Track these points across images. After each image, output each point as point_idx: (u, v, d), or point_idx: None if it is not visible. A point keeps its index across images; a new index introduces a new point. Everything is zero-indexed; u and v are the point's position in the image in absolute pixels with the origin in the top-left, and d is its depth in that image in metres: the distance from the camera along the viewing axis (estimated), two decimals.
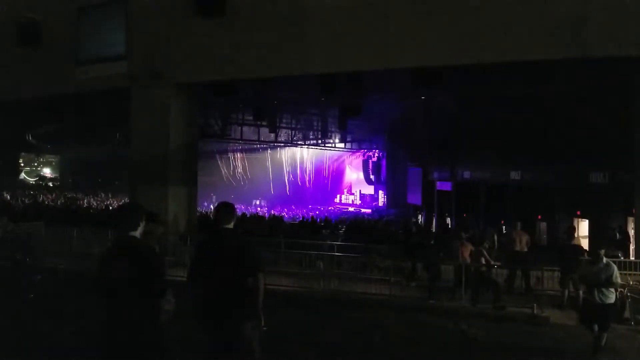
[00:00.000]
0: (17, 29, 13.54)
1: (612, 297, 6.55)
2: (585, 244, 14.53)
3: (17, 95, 15.31)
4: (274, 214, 24.35)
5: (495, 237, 12.79)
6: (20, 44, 13.64)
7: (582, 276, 7.10)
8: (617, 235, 13.12)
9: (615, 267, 6.59)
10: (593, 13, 8.91)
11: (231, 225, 4.19)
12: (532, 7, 9.37)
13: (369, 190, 37.45)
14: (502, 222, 17.83)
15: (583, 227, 16.18)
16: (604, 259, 6.63)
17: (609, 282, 6.47)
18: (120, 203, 3.83)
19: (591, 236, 15.64)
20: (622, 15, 8.82)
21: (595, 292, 6.51)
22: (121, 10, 12.74)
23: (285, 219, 20.75)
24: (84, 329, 6.67)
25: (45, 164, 40.89)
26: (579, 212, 16.71)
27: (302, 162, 38.90)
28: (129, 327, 3.41)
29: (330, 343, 6.81)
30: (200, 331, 4.04)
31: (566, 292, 9.07)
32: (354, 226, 17.81)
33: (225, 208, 4.29)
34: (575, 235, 10.09)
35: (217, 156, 34.68)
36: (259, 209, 30.32)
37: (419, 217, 26.12)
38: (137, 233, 3.58)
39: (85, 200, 28.29)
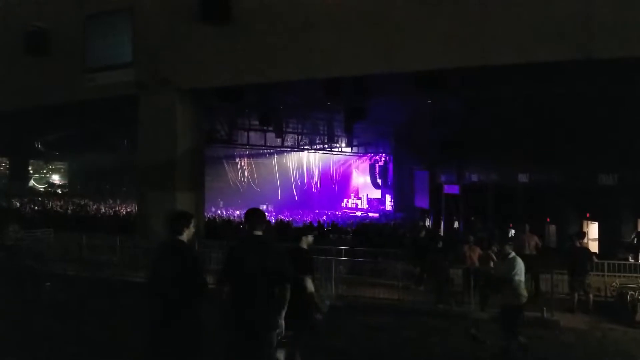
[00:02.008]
0: (25, 38, 13.71)
1: (521, 297, 6.05)
2: (595, 246, 14.46)
3: (25, 103, 15.48)
4: (281, 219, 24.37)
5: None
6: (28, 52, 13.80)
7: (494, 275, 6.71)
8: (635, 240, 12.97)
9: (519, 263, 6.06)
10: (599, 13, 8.86)
11: (261, 232, 4.20)
12: (537, 8, 9.32)
13: (376, 194, 37.34)
14: (511, 225, 17.69)
15: (593, 230, 16.02)
16: (511, 254, 6.15)
17: (512, 279, 5.98)
18: (173, 211, 3.99)
19: (601, 239, 15.50)
20: (629, 15, 8.75)
21: (504, 291, 6.09)
22: (127, 18, 12.86)
23: (294, 224, 20.70)
24: (88, 334, 6.71)
25: (54, 171, 41.30)
26: (588, 215, 16.55)
27: (308, 167, 38.89)
28: (174, 322, 3.79)
29: (339, 348, 6.78)
30: (226, 334, 4.05)
31: (576, 295, 8.99)
32: (362, 230, 17.76)
33: (257, 214, 4.29)
34: (585, 240, 9.99)
35: (224, 161, 34.75)
36: (266, 214, 30.25)
37: (427, 220, 26.00)
38: (184, 237, 4.00)
39: (94, 207, 28.45)
